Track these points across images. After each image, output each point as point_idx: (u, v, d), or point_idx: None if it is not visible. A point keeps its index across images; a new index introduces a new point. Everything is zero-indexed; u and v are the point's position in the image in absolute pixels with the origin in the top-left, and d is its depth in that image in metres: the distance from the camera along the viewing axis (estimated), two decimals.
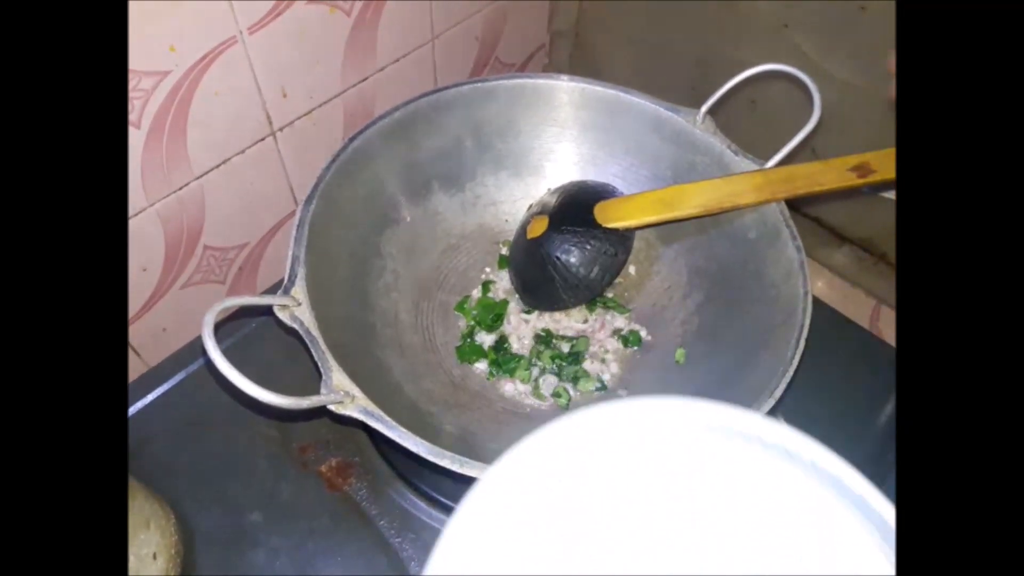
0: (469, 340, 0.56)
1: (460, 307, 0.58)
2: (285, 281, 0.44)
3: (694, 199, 0.51)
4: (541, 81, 0.57)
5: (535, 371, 0.55)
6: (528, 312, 0.58)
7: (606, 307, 0.58)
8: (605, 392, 0.55)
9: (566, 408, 0.54)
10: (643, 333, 0.57)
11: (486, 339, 0.57)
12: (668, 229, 0.57)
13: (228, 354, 0.35)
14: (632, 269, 0.60)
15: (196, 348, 0.60)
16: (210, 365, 0.36)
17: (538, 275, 0.54)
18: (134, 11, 0.44)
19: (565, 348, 0.56)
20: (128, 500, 0.42)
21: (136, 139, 0.49)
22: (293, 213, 0.66)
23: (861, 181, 0.47)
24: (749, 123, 0.68)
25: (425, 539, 0.49)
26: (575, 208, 0.53)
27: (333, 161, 0.50)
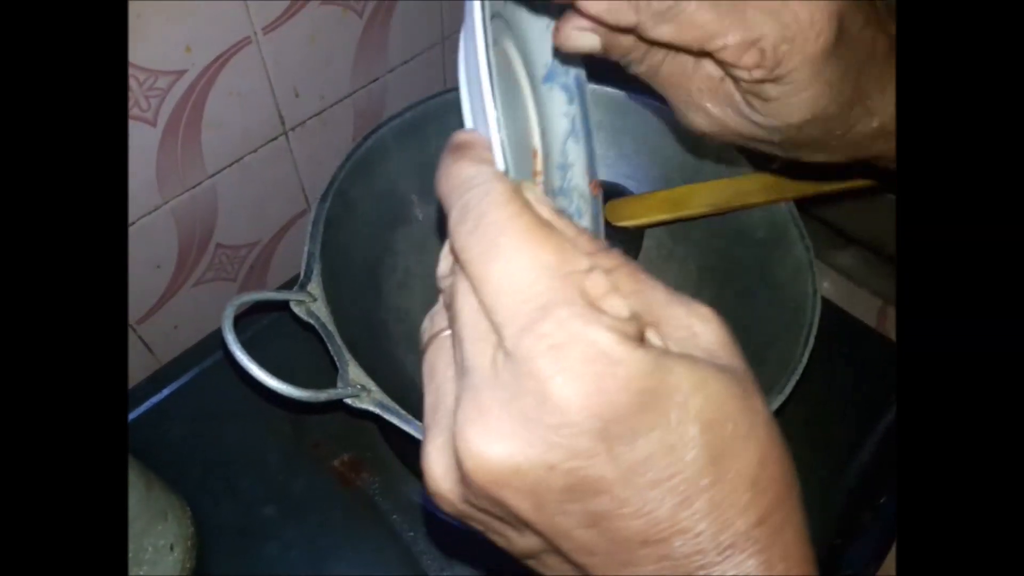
0: None
1: None
2: (301, 277, 0.44)
3: (703, 198, 0.51)
4: None
5: None
6: None
7: None
8: None
9: None
10: None
11: None
12: (677, 228, 0.57)
13: (244, 348, 0.36)
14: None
15: (208, 345, 0.61)
16: (228, 358, 0.36)
17: None
18: (152, 12, 0.44)
19: None
20: (145, 491, 0.43)
21: (152, 138, 0.50)
22: (304, 212, 0.67)
23: (870, 182, 0.48)
24: None
25: (437, 535, 0.50)
26: None
27: (347, 160, 0.50)
